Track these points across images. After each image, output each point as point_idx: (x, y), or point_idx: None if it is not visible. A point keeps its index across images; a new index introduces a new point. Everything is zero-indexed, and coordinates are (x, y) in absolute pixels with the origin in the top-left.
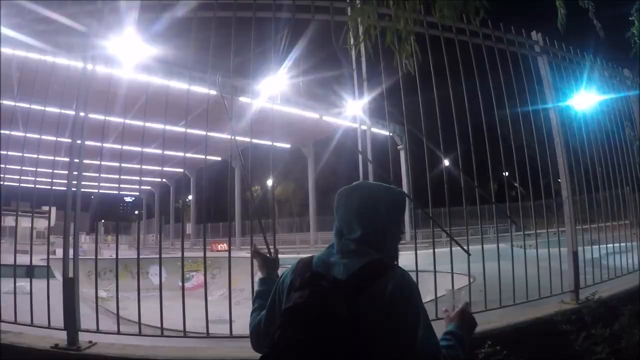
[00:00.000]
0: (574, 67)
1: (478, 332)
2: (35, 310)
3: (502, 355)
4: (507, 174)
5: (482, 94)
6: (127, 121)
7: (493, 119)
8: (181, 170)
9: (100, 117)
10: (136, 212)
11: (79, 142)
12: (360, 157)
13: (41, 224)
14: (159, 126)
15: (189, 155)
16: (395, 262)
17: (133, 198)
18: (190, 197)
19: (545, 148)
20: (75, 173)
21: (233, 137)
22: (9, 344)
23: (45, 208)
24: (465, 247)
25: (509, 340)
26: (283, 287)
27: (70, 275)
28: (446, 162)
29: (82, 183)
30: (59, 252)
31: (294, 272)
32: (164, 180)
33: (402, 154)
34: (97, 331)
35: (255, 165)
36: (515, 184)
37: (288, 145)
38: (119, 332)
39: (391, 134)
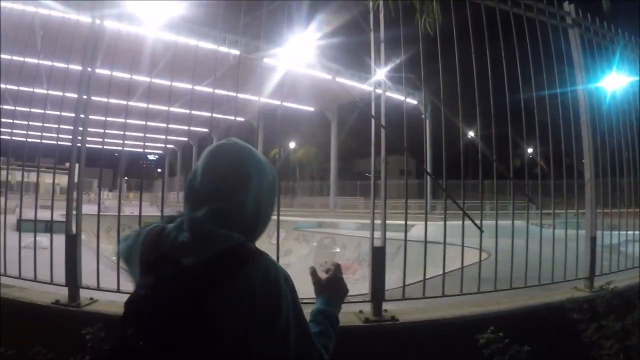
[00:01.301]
0: (606, 44)
1: (484, 313)
2: (47, 265)
3: (503, 342)
4: (531, 150)
5: (507, 64)
6: (152, 80)
7: (518, 91)
8: (205, 130)
9: (126, 74)
10: (159, 170)
11: (84, 97)
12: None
13: (64, 180)
14: (182, 86)
15: (211, 115)
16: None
17: (157, 156)
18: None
19: (571, 126)
20: (80, 129)
21: (236, 95)
22: (12, 298)
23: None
24: (479, 222)
25: (515, 324)
26: (131, 255)
27: (73, 231)
28: (466, 133)
29: (107, 140)
30: (85, 208)
31: (143, 244)
32: (170, 141)
33: (426, 123)
34: (98, 288)
35: (278, 127)
36: (539, 161)
37: (312, 109)
38: (118, 290)
39: (405, 100)
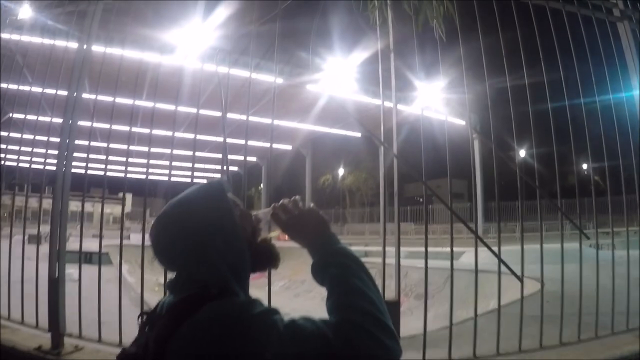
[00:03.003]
0: None
1: None
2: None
3: None
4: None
5: (547, 68)
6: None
7: (562, 100)
8: (253, 159)
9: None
10: None
11: (70, 122)
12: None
13: (117, 210)
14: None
15: (258, 144)
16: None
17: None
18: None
19: (629, 136)
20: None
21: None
22: None
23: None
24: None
25: None
26: None
27: (56, 275)
28: (510, 154)
29: (155, 171)
30: (133, 238)
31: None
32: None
33: (476, 143)
34: (80, 337)
35: (326, 154)
36: (596, 178)
37: (359, 134)
38: (99, 340)
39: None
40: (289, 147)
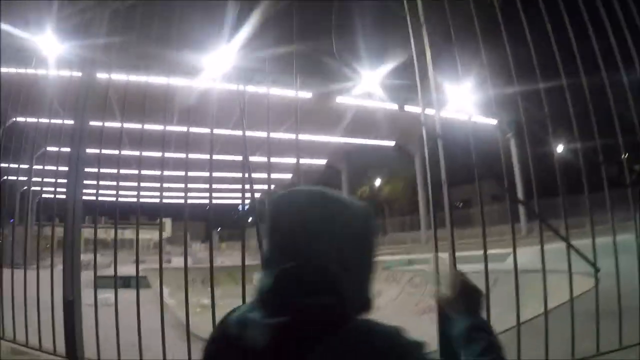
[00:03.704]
0: None
1: None
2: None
3: None
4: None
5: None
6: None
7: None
8: (289, 176)
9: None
10: (250, 218)
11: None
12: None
13: (156, 235)
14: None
15: (292, 160)
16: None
17: (246, 206)
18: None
19: None
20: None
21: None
22: None
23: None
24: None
25: None
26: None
27: (70, 297)
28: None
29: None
30: (175, 261)
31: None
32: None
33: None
34: None
35: (361, 166)
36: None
37: (392, 143)
38: None
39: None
40: (323, 162)
